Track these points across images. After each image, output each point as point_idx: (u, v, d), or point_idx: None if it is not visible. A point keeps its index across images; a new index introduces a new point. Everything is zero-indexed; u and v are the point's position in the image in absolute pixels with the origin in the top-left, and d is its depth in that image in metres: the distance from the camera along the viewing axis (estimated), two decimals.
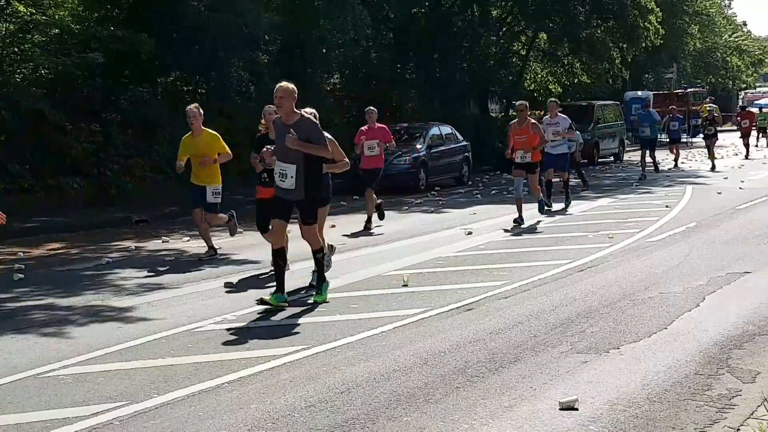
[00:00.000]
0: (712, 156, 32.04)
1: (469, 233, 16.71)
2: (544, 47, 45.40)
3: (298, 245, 12.19)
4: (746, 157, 36.85)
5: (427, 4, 37.86)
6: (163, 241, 16.82)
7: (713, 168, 30.72)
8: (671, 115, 33.34)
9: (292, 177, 10.61)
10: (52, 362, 8.25)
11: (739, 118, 41.40)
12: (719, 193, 22.60)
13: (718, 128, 35.00)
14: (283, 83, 10.85)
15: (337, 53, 32.68)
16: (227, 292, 11.76)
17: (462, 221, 18.61)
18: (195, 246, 16.14)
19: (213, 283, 12.32)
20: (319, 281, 11.01)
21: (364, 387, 7.37)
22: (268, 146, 11.71)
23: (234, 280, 12.60)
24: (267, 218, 12.36)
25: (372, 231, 17.78)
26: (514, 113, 24.30)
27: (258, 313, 10.26)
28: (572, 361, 8.00)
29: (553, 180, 21.20)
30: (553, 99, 23.76)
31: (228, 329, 9.51)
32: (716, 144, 36.20)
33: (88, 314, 10.46)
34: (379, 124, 19.19)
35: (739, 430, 6.34)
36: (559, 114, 21.26)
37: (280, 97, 10.69)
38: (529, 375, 7.63)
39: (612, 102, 41.54)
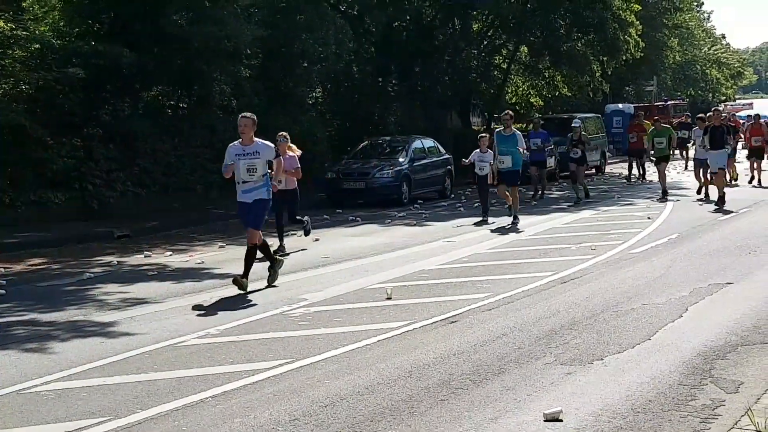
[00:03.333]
0: (581, 183, 25.70)
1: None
2: (525, 60, 45.53)
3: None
4: (642, 179, 32.17)
5: (408, 17, 37.93)
6: (145, 256, 16.75)
7: (579, 200, 24.88)
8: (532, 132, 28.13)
9: None
10: (34, 378, 8.20)
11: (628, 133, 33.71)
12: (701, 204, 22.70)
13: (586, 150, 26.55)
14: None
15: (319, 67, 32.69)
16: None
17: (445, 234, 18.62)
18: (177, 260, 16.10)
19: (195, 298, 12.27)
20: None
21: (348, 400, 7.36)
22: None
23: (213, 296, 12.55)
24: None
25: None
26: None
27: (240, 327, 10.23)
28: (556, 373, 8.01)
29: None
30: (246, 114, 13.63)
31: (211, 343, 9.48)
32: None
33: (70, 329, 10.41)
34: None
35: None
36: (257, 140, 13.24)
37: None
38: (513, 387, 7.63)
39: (593, 115, 41.65)
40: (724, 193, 22.03)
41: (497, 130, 21.10)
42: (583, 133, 26.15)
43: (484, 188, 21.23)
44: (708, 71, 78.88)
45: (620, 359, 8.42)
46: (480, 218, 20.92)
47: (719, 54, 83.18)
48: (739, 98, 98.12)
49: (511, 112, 21.67)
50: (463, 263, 14.74)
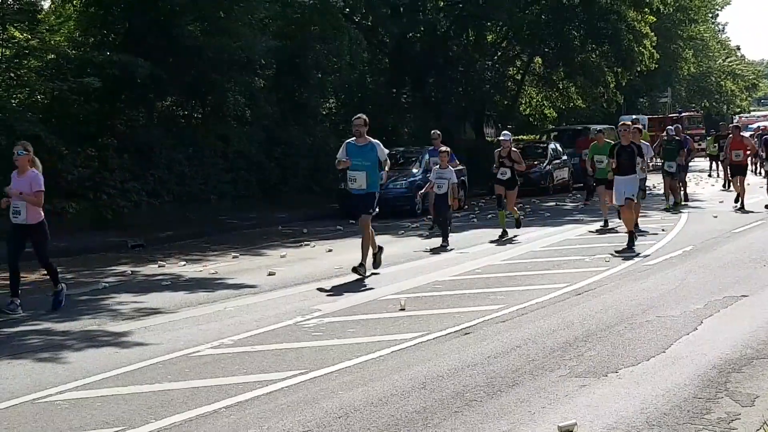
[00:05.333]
0: (511, 210, 20.51)
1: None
2: (539, 71, 45.61)
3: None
4: (585, 202, 27.98)
5: (422, 28, 38.03)
6: (159, 266, 16.78)
7: (505, 234, 19.81)
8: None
9: None
10: (48, 387, 8.22)
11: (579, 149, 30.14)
12: (715, 216, 22.59)
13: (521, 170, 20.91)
14: None
15: (332, 77, 32.77)
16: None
17: (458, 245, 18.58)
18: (191, 270, 16.12)
19: (209, 308, 12.28)
20: None
21: (362, 411, 7.35)
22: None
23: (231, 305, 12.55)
24: None
25: None
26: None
27: (254, 338, 10.23)
28: (571, 385, 7.97)
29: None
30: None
31: (225, 354, 9.48)
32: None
33: (84, 339, 10.43)
34: None
35: None
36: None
37: None
38: (527, 399, 7.60)
39: (607, 126, 41.68)
40: (632, 232, 17.43)
41: (348, 140, 15.43)
42: (514, 149, 20.60)
43: (443, 209, 19.09)
44: (723, 83, 78.76)
45: (635, 372, 8.38)
46: (440, 245, 18.50)
47: (734, 66, 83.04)
48: (754, 110, 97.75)
49: (364, 117, 15.50)
50: (477, 274, 14.71)
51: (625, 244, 17.04)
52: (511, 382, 8.10)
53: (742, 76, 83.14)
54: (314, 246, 19.31)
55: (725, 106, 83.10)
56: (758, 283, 13.02)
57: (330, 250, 18.42)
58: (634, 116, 49.38)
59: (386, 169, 15.69)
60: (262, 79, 29.85)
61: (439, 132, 23.44)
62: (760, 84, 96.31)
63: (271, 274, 15.05)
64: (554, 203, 28.79)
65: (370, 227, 15.17)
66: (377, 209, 15.40)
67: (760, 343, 9.44)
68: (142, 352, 9.67)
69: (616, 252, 16.40)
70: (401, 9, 35.94)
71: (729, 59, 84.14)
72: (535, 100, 49.80)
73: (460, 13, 39.02)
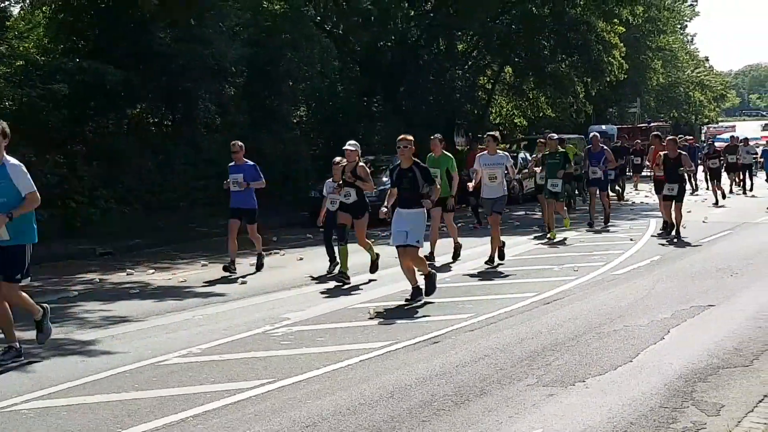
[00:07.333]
0: (362, 244, 15.90)
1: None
2: (509, 81, 45.77)
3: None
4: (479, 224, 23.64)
5: (393, 37, 38.05)
6: (127, 274, 16.68)
7: (345, 277, 15.09)
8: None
9: None
10: (14, 396, 8.16)
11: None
12: (684, 227, 22.71)
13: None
14: None
15: (303, 86, 32.75)
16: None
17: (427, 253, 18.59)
18: (160, 278, 16.05)
19: (177, 316, 12.23)
20: None
21: (330, 421, 7.34)
22: None
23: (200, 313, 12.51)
24: None
25: None
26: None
27: (222, 347, 10.20)
28: (538, 394, 8.01)
29: None
30: None
31: (193, 362, 9.45)
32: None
33: (51, 348, 10.34)
34: None
35: None
36: None
37: None
38: (495, 408, 7.63)
39: (576, 136, 41.86)
40: (430, 274, 13.39)
41: None
42: (361, 164, 15.81)
43: (333, 227, 16.00)
44: (691, 93, 79.39)
45: (602, 381, 8.43)
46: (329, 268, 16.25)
47: (702, 77, 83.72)
48: (722, 120, 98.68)
49: (5, 124, 9.80)
50: (446, 284, 14.71)
51: (413, 296, 13.06)
52: (479, 392, 8.13)
53: (710, 86, 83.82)
54: (284, 254, 19.28)
55: (694, 117, 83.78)
56: (724, 293, 13.14)
57: (300, 259, 18.40)
58: (604, 126, 49.74)
59: (33, 207, 10.40)
60: (233, 86, 29.81)
61: (241, 144, 17.01)
62: (728, 95, 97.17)
63: (242, 282, 15.01)
64: (524, 212, 28.87)
65: (21, 295, 10.13)
66: (29, 278, 10.24)
67: (726, 352, 9.51)
68: (109, 360, 9.61)
69: (380, 314, 12.07)
70: (372, 18, 35.93)
71: (697, 70, 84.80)
72: (505, 110, 49.99)
73: (431, 23, 39.09)
